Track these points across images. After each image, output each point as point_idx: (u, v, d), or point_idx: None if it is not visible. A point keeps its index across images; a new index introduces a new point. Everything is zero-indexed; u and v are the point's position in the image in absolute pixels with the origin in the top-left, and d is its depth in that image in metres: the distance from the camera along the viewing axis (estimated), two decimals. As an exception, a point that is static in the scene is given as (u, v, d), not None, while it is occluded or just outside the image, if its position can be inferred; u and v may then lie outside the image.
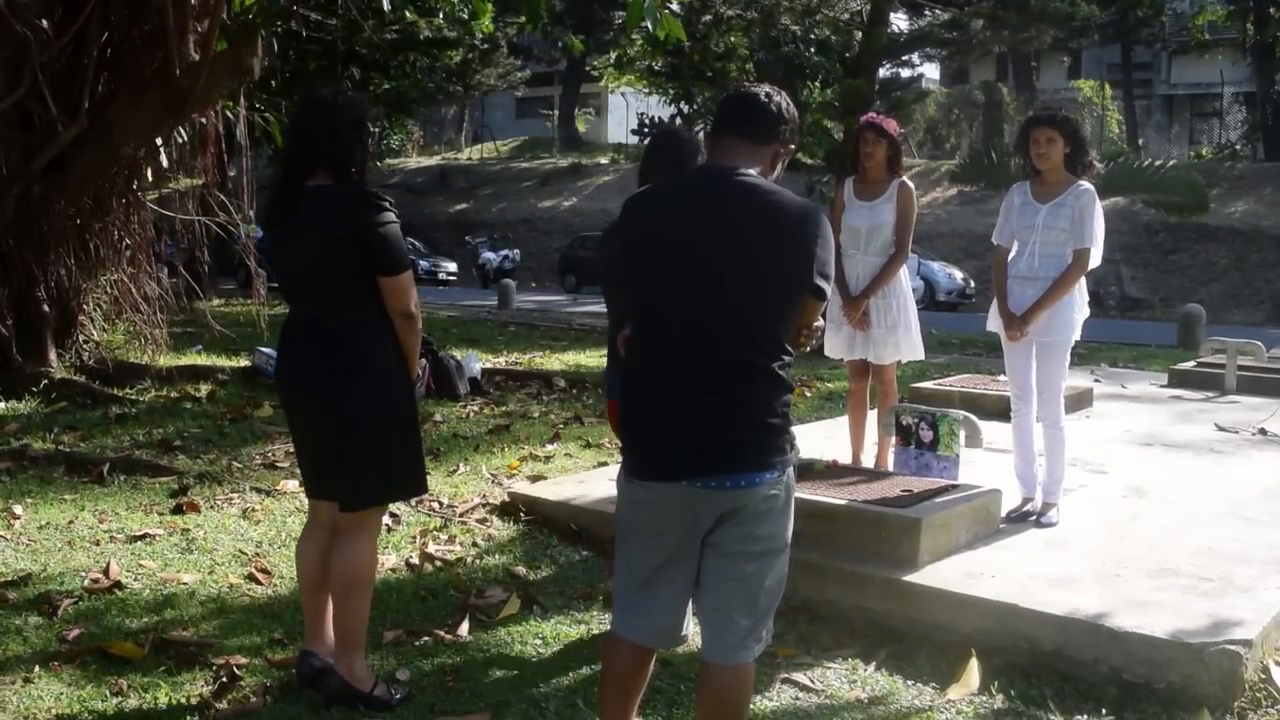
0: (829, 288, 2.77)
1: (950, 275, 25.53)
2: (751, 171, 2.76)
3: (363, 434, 3.43)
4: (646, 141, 3.43)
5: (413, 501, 5.71)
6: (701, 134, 4.55)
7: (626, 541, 2.87)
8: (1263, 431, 8.09)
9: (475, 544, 5.21)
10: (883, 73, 19.95)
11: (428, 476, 6.05)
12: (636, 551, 2.84)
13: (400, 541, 5.20)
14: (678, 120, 20.29)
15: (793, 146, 2.90)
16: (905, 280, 5.90)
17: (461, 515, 5.61)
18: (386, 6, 12.78)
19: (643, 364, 2.80)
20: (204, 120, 9.30)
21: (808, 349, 3.03)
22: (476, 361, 9.87)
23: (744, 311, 2.67)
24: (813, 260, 2.68)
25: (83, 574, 4.59)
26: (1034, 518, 5.28)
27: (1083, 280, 5.27)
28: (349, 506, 3.51)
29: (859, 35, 18.31)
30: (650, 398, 2.77)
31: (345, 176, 3.46)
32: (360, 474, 3.46)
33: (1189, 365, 11.07)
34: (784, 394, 2.74)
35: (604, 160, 42.28)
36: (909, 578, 4.37)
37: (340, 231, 3.37)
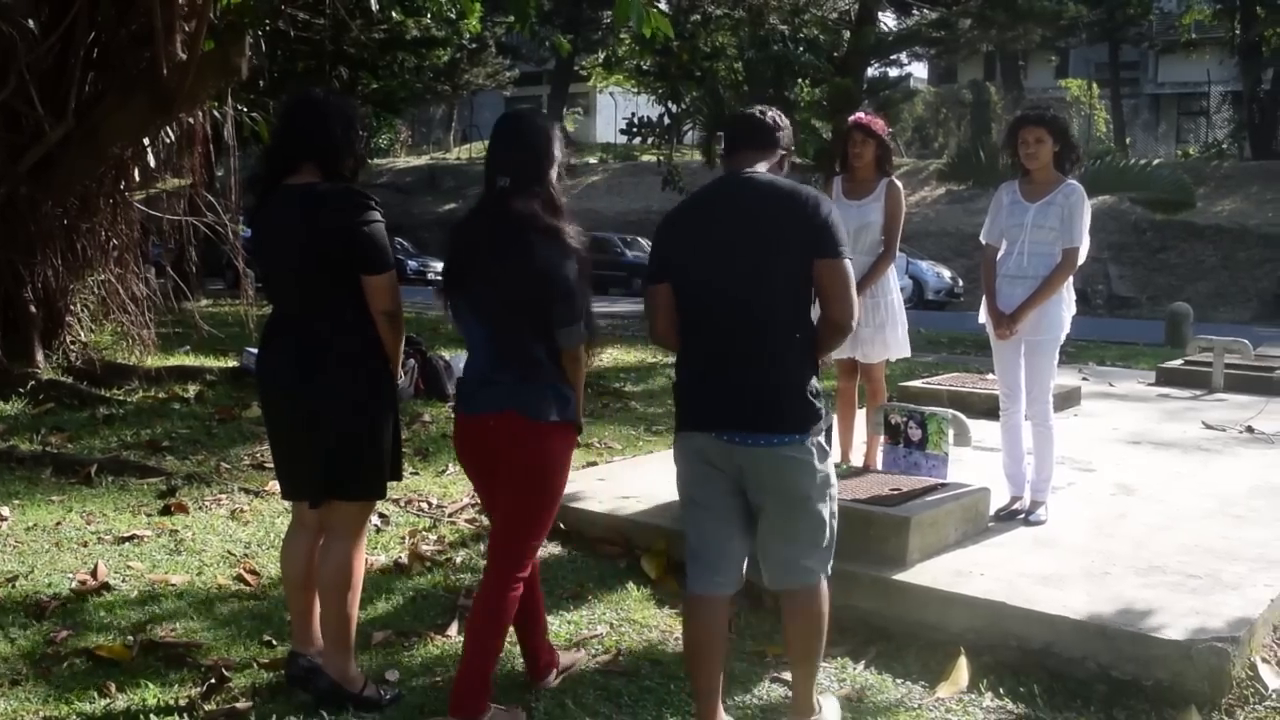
0: (840, 248, 3.15)
1: (939, 274, 25.59)
2: (760, 168, 3.30)
3: (338, 432, 3.41)
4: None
5: (402, 502, 5.71)
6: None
7: (688, 505, 3.35)
8: (1250, 429, 8.12)
9: (464, 544, 5.21)
10: (871, 72, 19.97)
11: (416, 477, 6.08)
12: (698, 512, 3.30)
13: (390, 542, 5.19)
14: (665, 120, 20.25)
15: (792, 150, 3.48)
16: (893, 279, 5.91)
17: (451, 515, 5.60)
18: (374, 6, 12.76)
19: (691, 341, 3.28)
20: (191, 120, 9.27)
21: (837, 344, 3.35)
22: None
23: (765, 285, 3.15)
24: (811, 227, 3.13)
25: (70, 575, 4.58)
26: (1022, 516, 5.29)
27: (1070, 279, 5.29)
28: (316, 505, 3.49)
29: (847, 34, 18.34)
30: (697, 368, 3.27)
31: (333, 175, 3.45)
32: (340, 472, 3.43)
33: (1176, 363, 11.11)
34: (808, 368, 3.19)
35: (592, 160, 42.25)
36: (898, 576, 4.38)
37: (325, 230, 3.36)
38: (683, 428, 3.30)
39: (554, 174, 3.37)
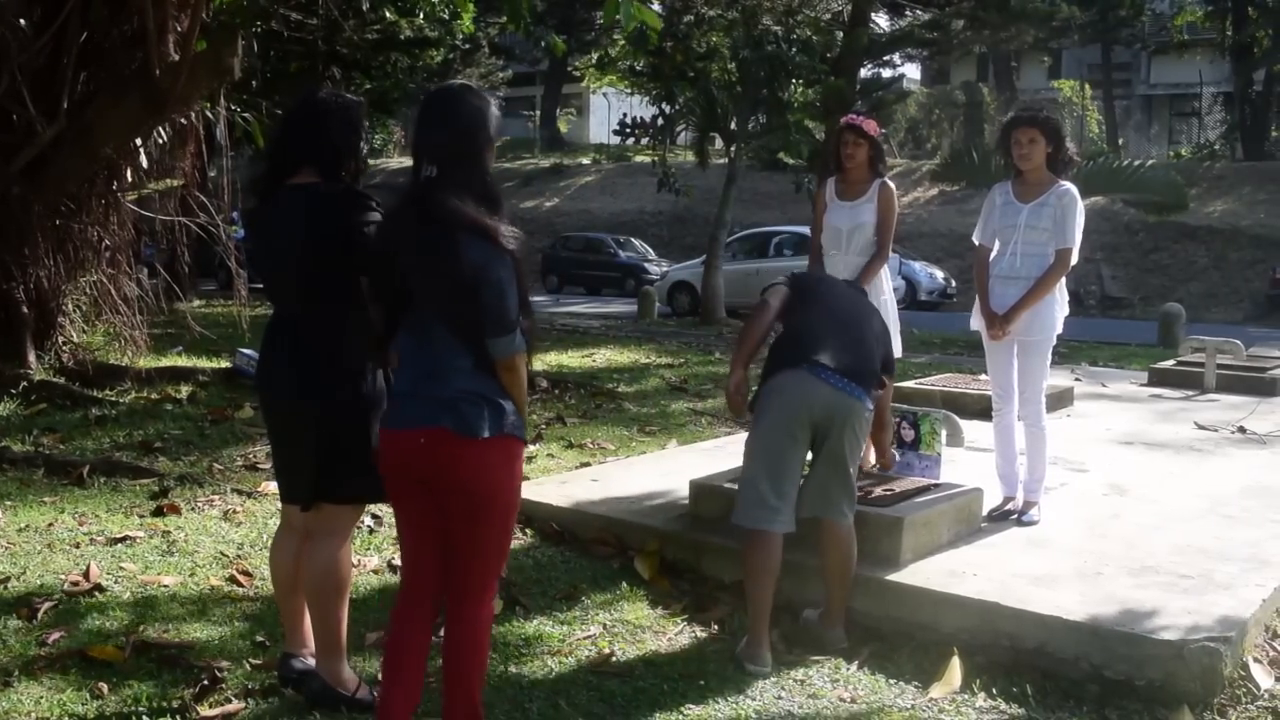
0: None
1: (932, 275, 25.60)
2: None
3: (335, 433, 3.40)
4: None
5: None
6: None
7: (767, 440, 4.08)
8: (1242, 430, 8.14)
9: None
10: (864, 73, 20.01)
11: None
12: (789, 444, 4.07)
13: (382, 543, 5.18)
14: (659, 120, 20.27)
15: None
16: (886, 280, 5.91)
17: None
18: (365, 6, 12.72)
19: (806, 320, 4.27)
20: (184, 120, 9.24)
21: None
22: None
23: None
24: None
25: (63, 577, 4.56)
26: (1015, 516, 5.30)
27: (1063, 279, 5.30)
28: (308, 508, 3.47)
29: (840, 35, 18.36)
30: (819, 338, 4.17)
31: (332, 178, 3.44)
32: (330, 472, 3.42)
33: (1169, 364, 11.13)
34: None
35: (586, 161, 42.27)
36: (891, 577, 4.38)
37: (324, 229, 3.34)
38: (799, 367, 4.08)
39: (489, 159, 3.08)
